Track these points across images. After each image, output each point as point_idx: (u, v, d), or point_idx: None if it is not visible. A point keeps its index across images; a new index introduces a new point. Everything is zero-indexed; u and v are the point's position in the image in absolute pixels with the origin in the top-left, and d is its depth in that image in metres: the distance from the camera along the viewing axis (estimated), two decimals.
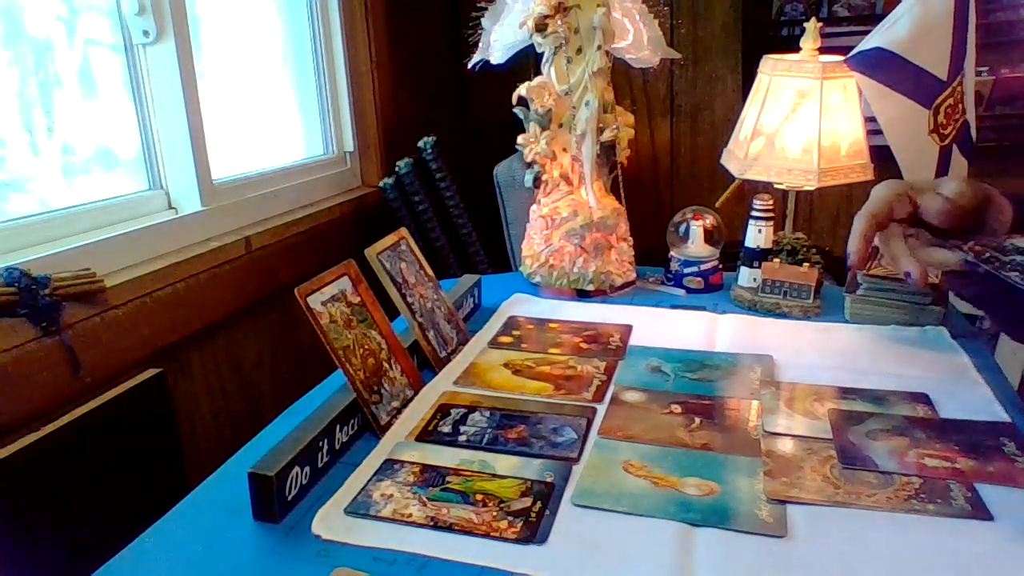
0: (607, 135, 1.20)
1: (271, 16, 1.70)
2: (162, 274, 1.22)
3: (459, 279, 1.19)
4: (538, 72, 1.22)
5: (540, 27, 1.15)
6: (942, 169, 1.46)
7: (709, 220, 1.24)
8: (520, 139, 1.23)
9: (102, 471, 0.99)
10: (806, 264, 1.18)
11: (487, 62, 1.28)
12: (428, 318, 0.98)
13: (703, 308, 1.15)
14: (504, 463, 0.73)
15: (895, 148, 1.42)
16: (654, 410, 0.83)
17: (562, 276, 1.21)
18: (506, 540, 0.62)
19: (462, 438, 0.78)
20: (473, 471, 0.72)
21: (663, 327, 1.08)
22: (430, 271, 1.04)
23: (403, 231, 1.03)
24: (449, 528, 0.64)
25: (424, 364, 0.95)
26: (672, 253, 1.25)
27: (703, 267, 1.22)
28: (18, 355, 0.97)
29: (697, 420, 0.80)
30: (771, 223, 1.19)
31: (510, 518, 0.65)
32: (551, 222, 1.22)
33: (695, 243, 1.24)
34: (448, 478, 0.71)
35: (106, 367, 1.09)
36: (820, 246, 1.39)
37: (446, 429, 0.80)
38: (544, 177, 1.24)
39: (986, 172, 1.89)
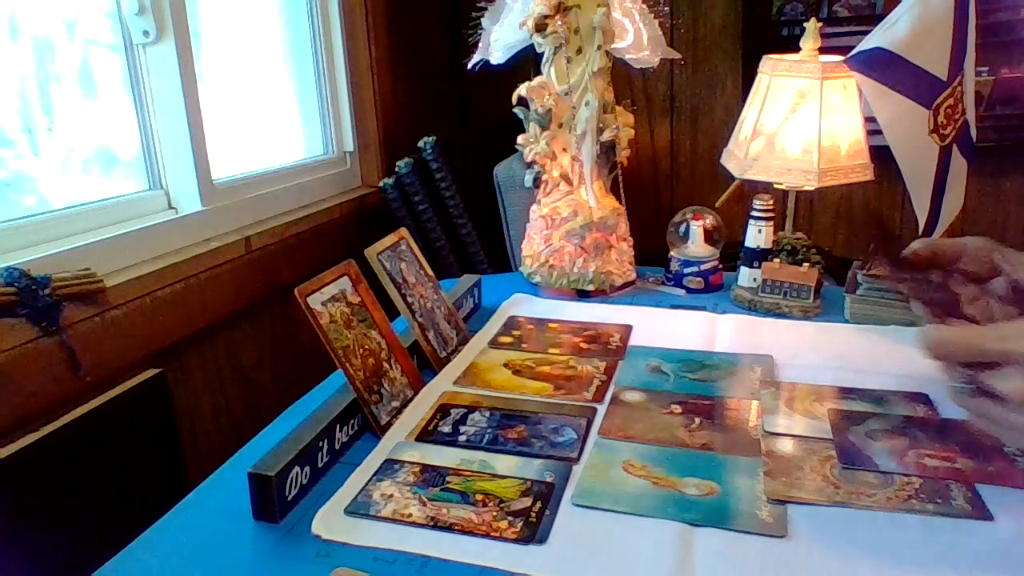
0: (607, 135, 1.20)
1: (271, 16, 1.70)
2: (162, 274, 1.22)
3: (459, 279, 1.19)
4: (538, 72, 1.22)
5: (540, 27, 1.15)
6: (942, 169, 1.46)
7: (709, 220, 1.24)
8: (520, 139, 1.23)
9: (102, 471, 0.99)
10: (806, 264, 1.18)
11: (487, 62, 1.28)
12: (428, 318, 0.98)
13: (703, 308, 1.15)
14: (504, 463, 0.73)
15: (895, 148, 1.42)
16: (654, 410, 0.83)
17: (562, 276, 1.21)
18: (506, 540, 0.62)
19: (462, 438, 0.78)
20: (473, 471, 0.72)
21: (663, 327, 1.08)
22: (430, 271, 1.04)
23: (403, 231, 1.03)
24: (449, 528, 0.64)
25: (424, 364, 0.95)
26: (672, 253, 1.25)
27: (703, 267, 1.22)
28: (18, 355, 0.96)
29: (697, 420, 0.80)
30: (771, 223, 1.19)
31: (510, 518, 0.65)
32: (551, 222, 1.22)
33: (695, 243, 1.24)
34: (448, 478, 0.71)
35: (106, 367, 1.09)
36: (820, 246, 1.39)
37: (446, 429, 0.80)
38: (544, 177, 1.24)
39: (986, 172, 1.90)
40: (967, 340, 0.57)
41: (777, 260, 1.17)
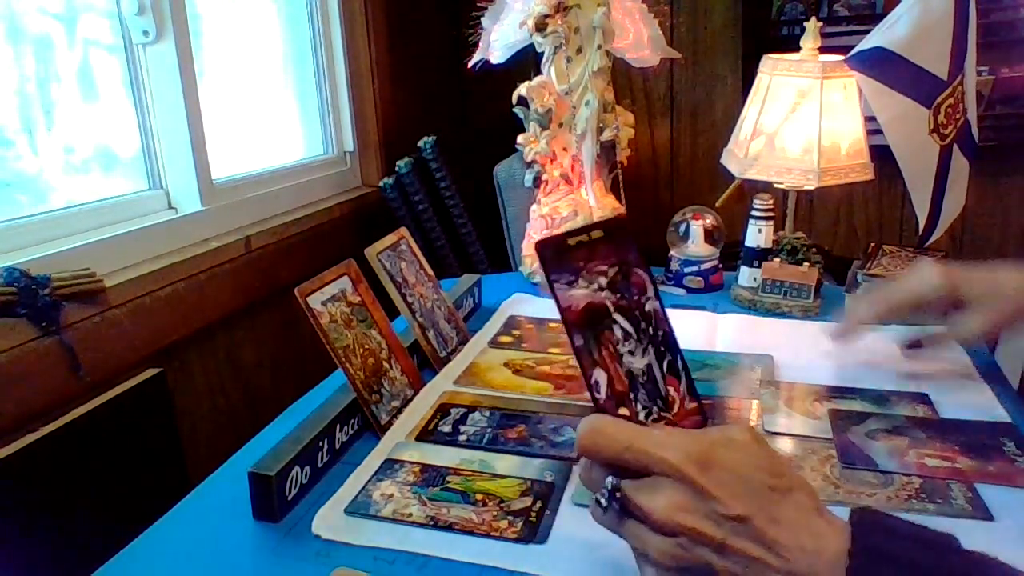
0: (607, 135, 1.20)
1: (271, 16, 1.70)
2: (162, 274, 1.22)
3: (459, 279, 1.19)
4: (538, 72, 1.22)
5: (540, 27, 1.15)
6: (942, 169, 1.46)
7: (709, 220, 1.24)
8: (520, 139, 1.23)
9: (102, 471, 0.99)
10: (806, 264, 1.18)
11: (487, 62, 1.28)
12: (428, 318, 0.98)
13: (703, 308, 1.15)
14: (504, 463, 0.73)
15: (895, 148, 1.42)
16: None
17: None
18: (506, 540, 0.62)
19: (462, 438, 0.78)
20: (473, 471, 0.72)
21: None
22: (430, 271, 1.04)
23: (403, 231, 1.03)
24: (449, 528, 0.64)
25: (424, 364, 0.95)
26: (672, 253, 1.25)
27: (703, 267, 1.22)
28: (18, 355, 0.96)
29: None
30: (771, 223, 1.19)
31: (510, 518, 0.65)
32: (551, 222, 1.22)
33: (695, 243, 1.24)
34: (448, 478, 0.71)
35: (106, 367, 1.09)
36: (820, 246, 1.39)
37: (446, 429, 0.80)
38: (544, 177, 1.24)
39: (986, 172, 1.90)
40: (624, 437, 0.48)
41: (777, 260, 1.17)
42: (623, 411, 0.53)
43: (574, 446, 0.50)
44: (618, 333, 0.54)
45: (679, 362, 0.56)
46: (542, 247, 0.53)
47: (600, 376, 0.52)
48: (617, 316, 0.54)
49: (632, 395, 0.53)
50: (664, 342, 0.56)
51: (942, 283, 0.82)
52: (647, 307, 0.56)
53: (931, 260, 0.90)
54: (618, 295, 0.55)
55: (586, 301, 0.53)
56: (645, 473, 0.47)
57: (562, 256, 0.54)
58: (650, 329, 0.55)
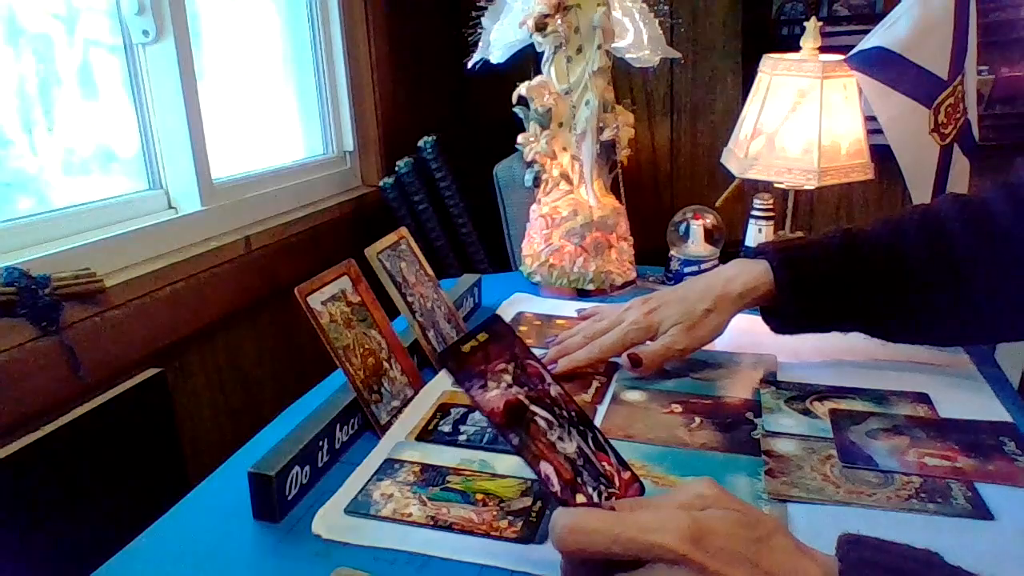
0: (607, 134, 1.20)
1: (271, 16, 1.70)
2: (162, 274, 1.22)
3: (459, 279, 1.19)
4: (538, 71, 1.22)
5: (540, 26, 1.15)
6: (943, 168, 1.47)
7: (709, 219, 1.24)
8: (520, 138, 1.23)
9: (102, 471, 0.99)
10: None
11: (487, 61, 1.28)
12: (428, 317, 0.98)
13: None
14: (504, 462, 0.73)
15: (895, 147, 1.42)
16: (654, 409, 0.83)
17: (562, 275, 1.21)
18: (506, 539, 0.62)
19: (462, 437, 0.78)
20: (473, 471, 0.72)
21: None
22: (430, 271, 1.04)
23: (403, 230, 1.03)
24: (449, 527, 0.64)
25: (424, 364, 0.95)
26: (672, 252, 1.25)
27: (703, 266, 1.22)
28: (18, 355, 0.97)
29: (697, 420, 0.80)
30: (771, 222, 1.19)
31: (510, 517, 0.65)
32: (551, 221, 1.22)
33: (695, 242, 1.24)
34: (448, 478, 0.71)
35: (106, 367, 1.09)
36: None
37: (446, 428, 0.80)
38: (544, 176, 1.24)
39: (985, 171, 1.89)
40: (608, 529, 0.46)
41: None
42: (580, 498, 0.53)
43: (553, 544, 0.48)
44: (542, 423, 0.55)
45: (600, 436, 0.59)
46: (443, 360, 0.55)
47: (548, 469, 0.53)
48: (534, 407, 0.56)
49: (580, 479, 0.54)
50: (580, 421, 0.58)
51: (646, 326, 0.89)
52: (552, 392, 0.58)
53: (640, 300, 0.93)
54: (525, 388, 0.57)
55: (503, 400, 0.54)
56: (637, 562, 0.46)
57: (463, 363, 0.55)
58: (564, 412, 0.58)
